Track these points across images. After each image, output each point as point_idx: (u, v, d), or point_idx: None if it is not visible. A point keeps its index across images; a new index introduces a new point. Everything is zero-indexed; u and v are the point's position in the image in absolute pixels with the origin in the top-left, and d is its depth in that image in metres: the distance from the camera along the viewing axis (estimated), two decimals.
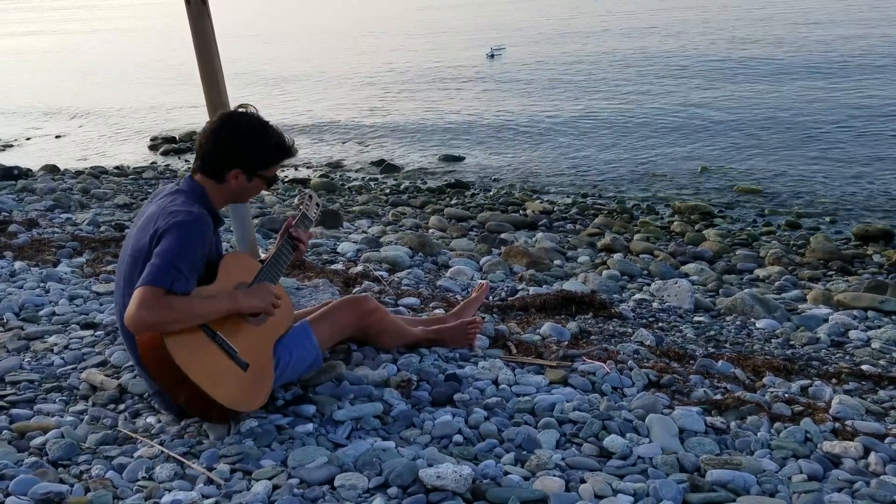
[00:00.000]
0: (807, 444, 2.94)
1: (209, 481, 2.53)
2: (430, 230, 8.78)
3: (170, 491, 2.48)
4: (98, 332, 3.88)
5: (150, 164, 14.06)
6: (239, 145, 2.91)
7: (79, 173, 12.42)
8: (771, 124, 14.37)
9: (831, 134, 13.46)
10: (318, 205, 3.49)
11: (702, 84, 18.51)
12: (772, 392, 3.51)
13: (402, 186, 11.99)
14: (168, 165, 13.99)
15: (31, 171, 12.03)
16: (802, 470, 2.72)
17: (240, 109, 3.01)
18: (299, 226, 3.31)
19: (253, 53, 29.03)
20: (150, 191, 10.61)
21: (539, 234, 8.58)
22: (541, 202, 10.56)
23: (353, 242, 6.86)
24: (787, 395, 3.45)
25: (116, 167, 13.65)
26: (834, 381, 3.82)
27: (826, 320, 5.19)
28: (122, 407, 3.10)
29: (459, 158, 13.75)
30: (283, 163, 3.09)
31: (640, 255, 7.80)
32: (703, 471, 2.67)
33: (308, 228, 3.37)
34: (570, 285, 5.59)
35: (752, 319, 5.11)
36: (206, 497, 2.43)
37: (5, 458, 2.65)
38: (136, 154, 15.50)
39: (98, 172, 12.71)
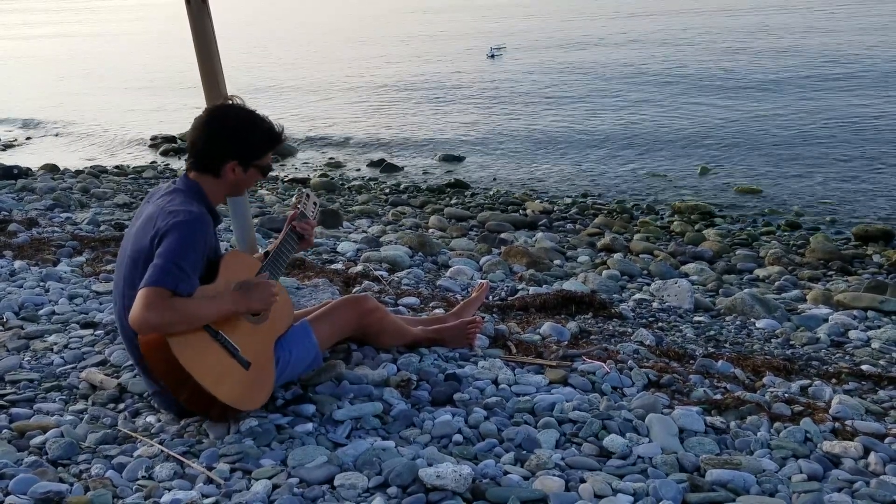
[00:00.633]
0: (807, 444, 2.94)
1: (209, 481, 2.53)
2: (430, 230, 8.78)
3: (169, 490, 2.48)
4: (98, 332, 3.88)
5: (150, 164, 14.05)
6: (230, 137, 2.91)
7: (78, 172, 12.41)
8: (770, 124, 14.37)
9: (831, 134, 13.46)
10: (315, 203, 3.49)
11: (701, 84, 18.51)
12: (772, 392, 3.51)
13: (402, 186, 11.99)
14: (168, 165, 13.99)
15: (30, 170, 12.02)
16: (802, 470, 2.72)
17: (226, 102, 3.01)
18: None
19: (252, 54, 29.02)
20: (149, 190, 10.57)
21: (539, 234, 8.58)
22: (541, 202, 10.56)
23: (353, 242, 6.86)
24: (786, 395, 3.45)
25: (116, 166, 13.65)
26: (834, 381, 3.82)
27: (826, 320, 5.20)
28: (121, 406, 3.10)
29: (459, 158, 13.75)
30: (275, 150, 3.10)
31: (640, 255, 7.80)
32: (703, 471, 2.67)
33: None
34: (569, 285, 5.59)
35: (752, 319, 5.11)
36: (205, 496, 2.43)
37: (5, 457, 2.65)
38: (135, 153, 15.50)
39: (98, 172, 12.71)
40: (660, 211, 10.16)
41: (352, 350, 3.51)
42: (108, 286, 4.62)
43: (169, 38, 30.48)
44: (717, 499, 2.48)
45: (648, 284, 6.17)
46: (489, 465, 2.61)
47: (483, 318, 4.04)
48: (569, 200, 10.76)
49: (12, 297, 4.38)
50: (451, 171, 12.98)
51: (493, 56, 25.53)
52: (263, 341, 2.94)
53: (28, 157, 14.62)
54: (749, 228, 9.19)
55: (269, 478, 2.52)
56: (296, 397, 3.09)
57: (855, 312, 5.45)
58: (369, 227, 8.56)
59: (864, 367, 4.08)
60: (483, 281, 4.83)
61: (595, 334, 4.25)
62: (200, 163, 2.95)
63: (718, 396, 3.36)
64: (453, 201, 10.84)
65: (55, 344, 3.72)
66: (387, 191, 11.66)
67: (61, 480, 2.54)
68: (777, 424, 3.10)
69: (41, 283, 4.75)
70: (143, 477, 2.57)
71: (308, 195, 3.48)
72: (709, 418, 3.09)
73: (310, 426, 2.87)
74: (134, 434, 2.85)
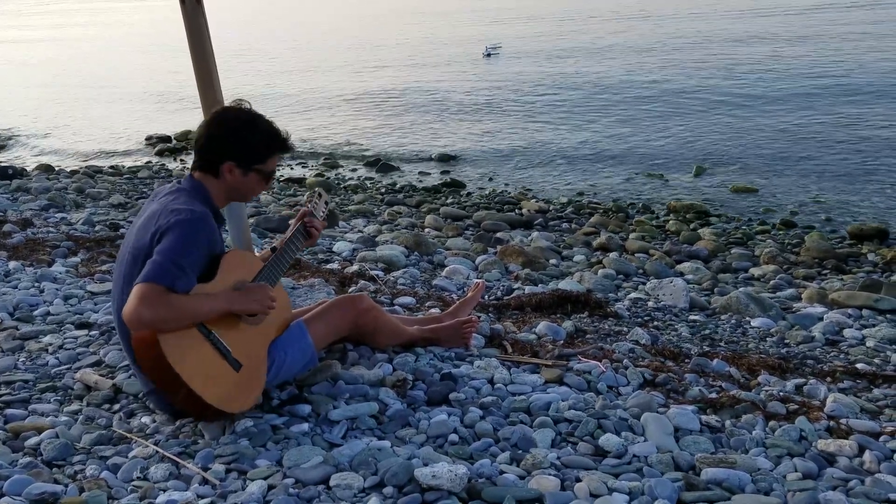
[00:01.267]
0: (801, 443, 2.95)
1: (204, 481, 2.52)
2: (426, 229, 8.78)
3: (165, 491, 2.47)
4: (93, 332, 3.87)
5: (146, 164, 14.02)
6: (227, 137, 2.91)
7: (73, 173, 12.39)
8: (765, 124, 14.39)
9: (826, 132, 13.49)
10: (326, 203, 3.50)
11: (699, 83, 18.52)
12: (767, 390, 3.51)
13: (398, 185, 11.99)
14: (163, 165, 13.96)
15: (25, 170, 12.01)
16: (797, 468, 2.73)
17: (233, 104, 3.01)
18: None
19: (250, 52, 28.98)
20: (144, 190, 10.59)
21: (535, 234, 8.59)
22: (536, 201, 10.56)
23: (349, 242, 6.86)
24: (781, 394, 3.46)
25: (111, 166, 13.62)
26: (829, 379, 3.83)
27: (821, 319, 5.21)
28: (116, 407, 3.09)
29: (455, 158, 13.76)
30: (278, 155, 3.04)
31: (636, 254, 7.80)
32: (699, 469, 2.68)
33: None
34: (565, 284, 5.59)
35: (747, 318, 5.12)
36: (201, 497, 2.43)
37: (0, 458, 2.65)
38: (131, 153, 15.46)
39: (93, 172, 12.68)
40: (655, 210, 10.18)
41: (347, 350, 3.51)
42: (103, 287, 4.62)
43: (168, 39, 30.41)
44: (713, 497, 2.49)
45: (644, 283, 6.18)
46: (485, 465, 2.61)
47: (479, 317, 4.04)
48: (564, 200, 10.77)
49: (7, 298, 4.37)
50: (447, 170, 12.99)
51: (489, 55, 25.55)
52: (257, 343, 2.93)
53: (23, 157, 14.60)
54: (744, 227, 9.21)
55: (265, 478, 2.52)
56: (291, 397, 3.09)
57: (850, 311, 5.46)
58: (365, 226, 8.56)
59: (858, 365, 4.09)
60: (479, 280, 4.83)
61: (591, 333, 4.25)
62: (200, 161, 2.95)
63: (714, 395, 3.37)
64: (449, 201, 10.84)
65: (50, 345, 3.72)
66: (383, 190, 11.66)
67: (56, 481, 2.53)
68: (772, 423, 3.10)
69: (36, 284, 4.75)
70: (139, 478, 2.57)
71: (320, 194, 3.48)
72: (704, 417, 3.10)
73: (305, 426, 2.87)
74: (129, 435, 2.85)
